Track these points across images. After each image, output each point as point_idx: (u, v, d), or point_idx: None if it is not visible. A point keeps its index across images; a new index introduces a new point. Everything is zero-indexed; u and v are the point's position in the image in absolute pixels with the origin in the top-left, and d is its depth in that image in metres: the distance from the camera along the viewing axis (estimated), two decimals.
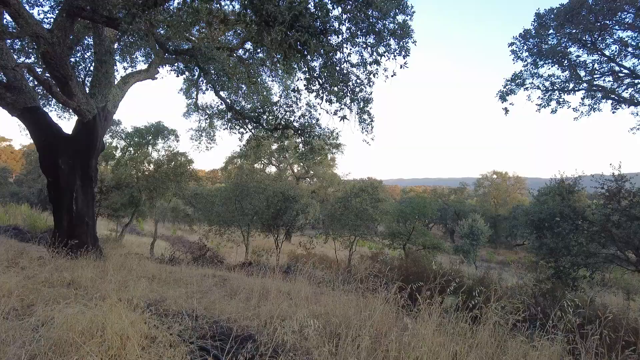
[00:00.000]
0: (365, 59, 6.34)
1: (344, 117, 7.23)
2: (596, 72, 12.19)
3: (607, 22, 11.20)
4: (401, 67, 5.71)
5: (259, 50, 9.40)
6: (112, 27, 7.62)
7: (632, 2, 10.76)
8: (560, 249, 11.35)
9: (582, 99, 12.89)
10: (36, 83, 10.04)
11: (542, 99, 12.74)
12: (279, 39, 5.47)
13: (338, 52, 6.21)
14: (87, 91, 9.79)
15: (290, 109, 10.02)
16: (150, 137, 19.70)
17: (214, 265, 12.22)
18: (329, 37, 6.25)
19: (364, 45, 6.12)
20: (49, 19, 9.01)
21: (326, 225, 19.48)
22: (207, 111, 14.45)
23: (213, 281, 8.25)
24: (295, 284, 7.40)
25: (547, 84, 12.26)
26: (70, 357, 2.90)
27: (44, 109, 10.25)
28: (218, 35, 12.54)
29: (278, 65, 9.65)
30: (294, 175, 41.81)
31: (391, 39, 5.85)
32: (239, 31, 13.76)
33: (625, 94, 12.34)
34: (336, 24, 6.10)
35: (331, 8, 5.76)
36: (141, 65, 11.79)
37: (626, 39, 11.60)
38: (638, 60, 11.86)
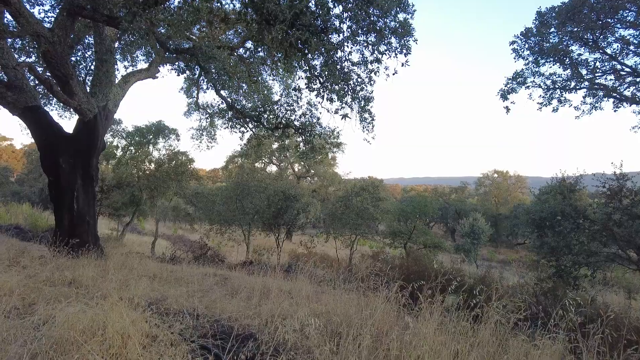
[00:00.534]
0: (366, 58, 6.33)
1: (345, 116, 7.22)
2: (598, 70, 12.16)
3: (609, 20, 11.16)
4: (402, 65, 5.70)
5: (259, 49, 9.39)
6: (113, 26, 7.62)
7: (634, 0, 10.73)
8: (561, 248, 11.34)
9: (584, 97, 12.86)
10: (37, 82, 10.04)
11: (543, 97, 12.72)
12: (279, 38, 5.46)
13: (339, 51, 6.20)
14: (88, 90, 9.79)
15: (291, 107, 10.02)
16: (151, 136, 19.70)
17: (215, 264, 12.22)
18: (329, 36, 6.24)
19: (365, 44, 6.11)
20: (49, 18, 9.00)
21: (327, 225, 19.47)
22: (208, 110, 14.45)
23: (214, 280, 8.26)
24: (296, 283, 7.39)
25: (548, 82, 12.24)
26: (71, 355, 2.90)
27: (45, 108, 10.25)
28: (219, 34, 12.53)
29: (279, 64, 9.65)
30: (295, 175, 41.83)
31: (392, 37, 5.83)
32: (239, 30, 13.76)
33: (627, 93, 12.32)
34: (337, 23, 6.09)
35: (332, 6, 5.75)
36: (142, 65, 11.82)
37: (628, 37, 11.57)
38: None
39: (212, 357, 3.45)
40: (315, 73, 6.88)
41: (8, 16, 8.43)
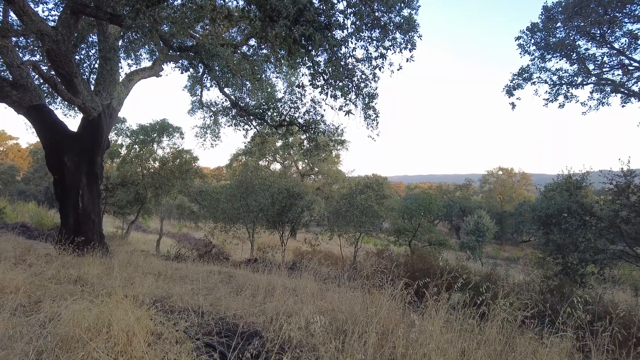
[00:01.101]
0: (371, 54, 6.27)
1: (349, 112, 7.17)
2: (605, 65, 12.02)
3: (617, 14, 11.02)
4: (407, 60, 5.64)
5: (263, 47, 9.35)
6: (116, 24, 7.61)
7: None
8: (567, 245, 11.24)
9: (591, 92, 12.72)
10: (41, 81, 10.07)
11: (549, 93, 12.59)
12: (283, 34, 5.41)
13: (343, 47, 6.15)
14: (92, 89, 9.80)
15: (295, 105, 9.99)
16: (155, 135, 19.73)
17: (220, 262, 12.24)
18: (333, 32, 6.20)
19: (369, 40, 6.05)
20: (53, 17, 9.02)
21: (331, 222, 19.45)
22: (212, 108, 14.45)
23: (219, 278, 8.27)
24: (300, 281, 7.38)
25: (554, 78, 12.11)
26: (76, 353, 2.90)
27: (50, 107, 10.27)
28: (222, 31, 12.51)
29: (282, 61, 9.60)
30: (299, 172, 41.82)
31: (397, 33, 5.77)
32: (243, 27, 13.75)
33: (635, 88, 12.16)
34: (341, 18, 6.04)
35: (336, 2, 5.70)
36: (145, 63, 11.83)
37: (636, 31, 11.41)
38: None
39: (217, 354, 3.44)
40: (319, 70, 6.84)
41: (12, 15, 8.46)
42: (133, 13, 5.69)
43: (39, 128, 9.45)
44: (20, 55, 9.19)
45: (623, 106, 12.57)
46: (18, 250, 8.52)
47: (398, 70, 5.74)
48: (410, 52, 5.60)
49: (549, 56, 11.74)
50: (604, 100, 12.78)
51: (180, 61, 12.31)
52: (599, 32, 11.29)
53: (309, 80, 6.93)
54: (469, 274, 6.35)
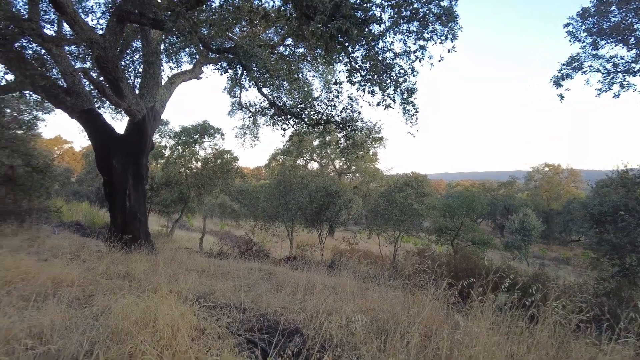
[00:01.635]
0: (409, 47, 6.10)
1: (388, 106, 7.04)
2: None
3: None
4: (449, 51, 5.42)
5: (299, 45, 9.38)
6: (158, 28, 7.89)
7: None
8: (624, 245, 10.51)
9: None
10: (91, 87, 10.61)
11: (602, 82, 11.74)
12: (319, 31, 5.39)
13: (380, 41, 6.04)
14: (137, 92, 10.21)
15: (332, 103, 9.94)
16: (197, 136, 20.34)
17: (260, 259, 12.42)
18: (370, 27, 6.10)
19: (407, 33, 5.89)
20: (101, 25, 9.47)
21: (370, 221, 19.23)
22: (251, 109, 14.71)
23: (259, 275, 8.38)
24: (340, 279, 7.35)
25: (608, 65, 11.27)
26: (125, 345, 3.00)
27: (99, 111, 10.81)
28: (259, 32, 12.70)
29: (319, 59, 9.59)
30: (336, 171, 41.78)
31: (437, 24, 5.57)
32: (279, 28, 13.90)
33: None
34: (378, 12, 5.92)
35: None
36: (186, 66, 12.19)
37: None
38: None
39: (259, 351, 3.46)
40: (357, 65, 6.76)
41: (65, 26, 8.96)
42: (174, 16, 5.86)
43: (90, 131, 9.97)
44: (72, 63, 9.72)
45: None
46: (73, 246, 9.04)
47: (439, 61, 5.54)
48: (452, 42, 5.39)
49: (603, 42, 10.94)
50: None
51: (220, 63, 12.62)
52: None
53: (346, 77, 6.86)
54: (516, 274, 6.06)
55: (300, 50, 13.90)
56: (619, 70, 10.84)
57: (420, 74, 7.31)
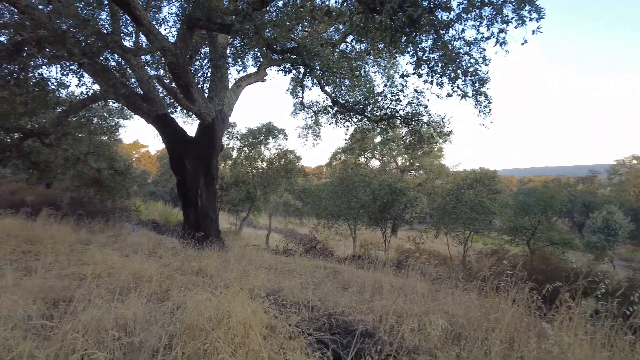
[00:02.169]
0: (482, 34, 5.66)
1: (465, 95, 6.65)
2: None
3: None
4: (534, 32, 4.91)
5: (362, 41, 9.22)
6: (225, 32, 8.15)
7: None
8: None
9: None
10: (164, 93, 11.28)
11: None
12: (387, 23, 5.20)
13: (450, 29, 5.69)
14: (206, 96, 10.68)
15: (396, 97, 9.64)
16: (262, 137, 20.96)
17: (325, 257, 12.45)
18: (439, 14, 5.78)
19: (480, 18, 5.48)
20: (172, 34, 10.02)
21: (437, 220, 18.49)
22: (313, 108, 14.83)
23: (325, 273, 8.36)
24: (408, 280, 7.11)
25: None
26: (201, 341, 3.07)
27: (172, 115, 11.46)
28: (320, 32, 12.73)
29: (382, 54, 9.36)
30: (398, 168, 40.85)
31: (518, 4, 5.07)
32: (340, 26, 13.85)
33: None
34: None
35: None
36: (251, 69, 12.55)
37: None
38: None
39: (330, 352, 3.39)
40: (424, 56, 6.46)
41: (141, 37, 9.60)
42: (240, 17, 5.98)
43: (164, 135, 10.59)
44: (147, 71, 10.40)
45: None
46: (151, 243, 9.67)
47: (522, 44, 5.04)
48: (538, 22, 4.87)
49: None
50: None
51: (283, 65, 12.83)
52: None
53: (413, 69, 6.59)
54: (611, 279, 5.42)
55: (362, 46, 13.75)
56: None
57: (492, 61, 6.79)
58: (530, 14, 4.91)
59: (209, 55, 11.12)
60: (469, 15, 5.67)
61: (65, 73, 6.55)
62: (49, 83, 6.52)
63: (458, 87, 7.05)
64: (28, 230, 9.10)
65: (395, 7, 4.76)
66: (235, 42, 10.92)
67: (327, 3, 9.13)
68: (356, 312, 5.09)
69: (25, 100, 5.97)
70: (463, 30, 5.73)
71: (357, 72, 12.30)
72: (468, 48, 6.03)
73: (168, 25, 10.58)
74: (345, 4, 7.54)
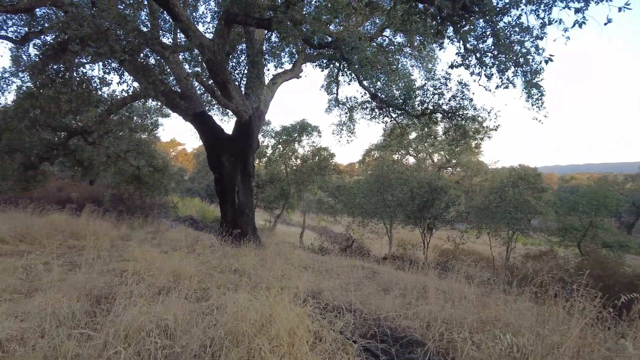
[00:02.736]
0: (543, 19, 5.18)
1: (535, 82, 6.23)
2: None
3: None
4: (620, 10, 4.35)
5: (402, 31, 8.87)
6: (263, 27, 8.04)
7: None
8: None
9: None
10: (202, 91, 11.33)
11: None
12: (433, 11, 4.88)
13: (505, 17, 5.29)
14: (242, 93, 10.65)
15: (439, 91, 9.22)
16: (296, 134, 20.91)
17: (361, 256, 12.19)
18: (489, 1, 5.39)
19: (538, 2, 5.03)
20: (210, 30, 10.03)
21: (479, 219, 17.71)
22: (347, 104, 14.61)
23: (363, 273, 8.13)
24: (452, 282, 6.74)
25: None
26: (244, 348, 2.91)
27: (209, 113, 11.51)
28: (356, 26, 12.48)
29: (424, 44, 8.96)
30: (435, 165, 39.67)
31: None
32: (376, 20, 13.54)
33: None
34: None
35: None
36: (286, 66, 12.45)
37: None
38: None
39: None
40: (473, 46, 6.07)
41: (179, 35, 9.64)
42: (280, 10, 5.82)
43: (201, 132, 10.65)
44: (185, 68, 10.47)
45: None
46: (189, 240, 9.75)
47: (605, 24, 4.46)
48: None
49: None
50: None
51: (318, 61, 12.65)
52: None
53: (460, 60, 6.22)
54: None
55: (400, 39, 13.36)
56: None
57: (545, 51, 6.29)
58: None
59: (245, 51, 11.08)
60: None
61: (107, 71, 6.65)
62: (92, 81, 6.62)
63: (507, 79, 6.64)
64: (73, 225, 9.37)
65: None
66: (272, 37, 10.83)
67: None
68: (401, 317, 4.82)
69: (70, 99, 6.09)
70: (519, 17, 5.30)
71: (395, 66, 11.95)
72: (523, 36, 5.58)
73: (206, 21, 10.61)
74: None
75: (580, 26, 4.51)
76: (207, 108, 12.37)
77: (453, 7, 4.50)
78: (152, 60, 8.22)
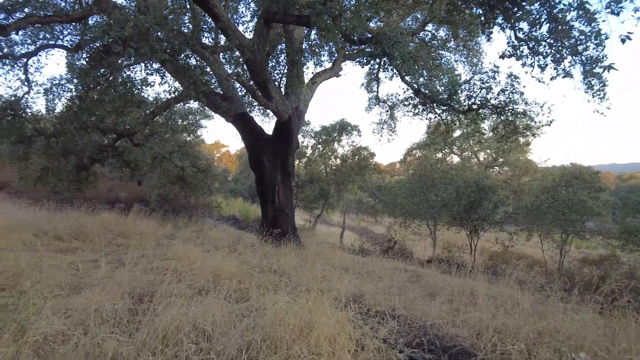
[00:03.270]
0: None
1: (587, 77, 5.73)
2: None
3: None
4: None
5: (446, 23, 8.48)
6: (302, 24, 7.94)
7: None
8: None
9: None
10: (242, 92, 11.41)
11: None
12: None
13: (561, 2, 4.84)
14: (282, 93, 10.61)
15: (487, 85, 8.70)
16: (336, 134, 20.75)
17: (404, 258, 11.80)
18: None
19: None
20: (250, 29, 10.07)
21: (530, 220, 16.68)
22: (388, 102, 14.25)
23: (406, 276, 7.82)
24: (502, 288, 6.29)
25: None
26: (281, 354, 2.76)
27: (250, 114, 11.58)
28: (397, 22, 12.16)
29: (471, 36, 8.52)
30: (480, 164, 38.09)
31: None
32: (418, 15, 13.14)
33: None
34: None
35: None
36: (326, 65, 12.32)
37: None
38: None
39: None
40: (524, 36, 5.64)
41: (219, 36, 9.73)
42: (320, 6, 5.67)
43: (243, 133, 10.72)
44: (226, 69, 10.56)
45: None
46: (231, 239, 9.83)
47: None
48: None
49: None
50: None
51: (358, 58, 12.41)
52: None
53: (511, 51, 5.80)
54: None
55: (443, 34, 12.87)
56: None
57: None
58: None
59: (285, 51, 11.05)
60: None
61: (149, 73, 6.78)
62: (135, 82, 6.78)
63: (563, 70, 6.13)
64: (121, 224, 9.71)
65: None
66: (311, 35, 10.72)
67: None
68: (448, 324, 4.51)
69: (113, 99, 6.27)
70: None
71: (438, 61, 11.50)
72: (586, 21, 5.09)
73: (245, 20, 10.67)
74: None
75: None
76: (247, 109, 12.47)
77: None
78: (192, 61, 8.32)
